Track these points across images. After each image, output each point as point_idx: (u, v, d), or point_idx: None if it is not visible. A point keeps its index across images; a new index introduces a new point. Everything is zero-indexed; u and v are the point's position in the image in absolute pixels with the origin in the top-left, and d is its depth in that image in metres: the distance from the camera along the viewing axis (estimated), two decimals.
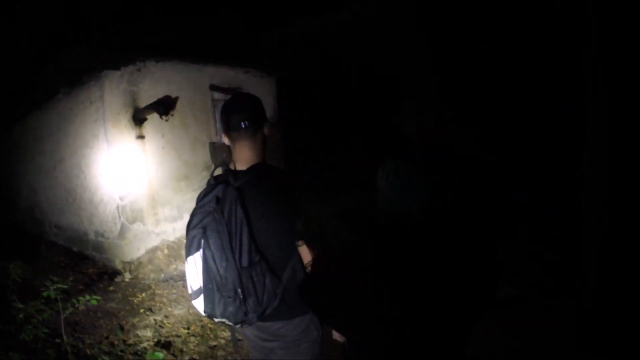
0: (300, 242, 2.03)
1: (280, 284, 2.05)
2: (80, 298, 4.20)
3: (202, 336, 4.58)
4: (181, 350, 4.30)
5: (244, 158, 2.13)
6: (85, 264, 5.94)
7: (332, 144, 9.44)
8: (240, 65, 8.15)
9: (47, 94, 5.97)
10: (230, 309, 1.97)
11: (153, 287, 5.69)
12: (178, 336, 4.61)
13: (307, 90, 9.52)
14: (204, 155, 7.55)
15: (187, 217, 6.16)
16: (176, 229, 6.83)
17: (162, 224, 6.56)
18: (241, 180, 2.03)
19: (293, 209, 2.02)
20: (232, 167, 2.16)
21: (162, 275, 6.02)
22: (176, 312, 5.14)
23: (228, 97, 7.83)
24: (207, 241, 1.95)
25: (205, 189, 2.11)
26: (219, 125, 7.89)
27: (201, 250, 1.97)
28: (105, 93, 5.74)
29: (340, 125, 9.57)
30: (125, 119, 6.00)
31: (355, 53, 8.46)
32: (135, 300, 5.31)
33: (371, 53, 8.19)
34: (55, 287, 3.99)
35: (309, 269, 1.97)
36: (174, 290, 5.66)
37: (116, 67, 5.83)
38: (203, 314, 2.05)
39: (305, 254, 2.02)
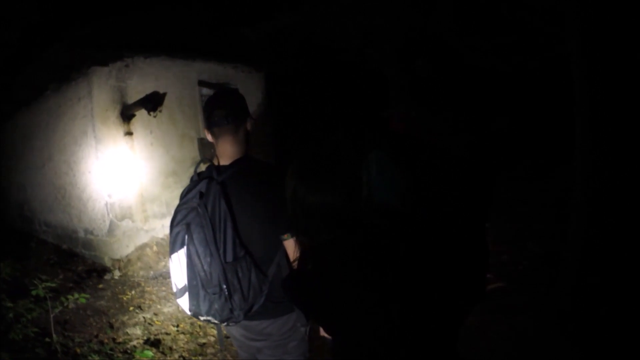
0: (285, 236, 2.01)
1: (266, 280, 2.05)
2: (70, 296, 4.20)
3: (191, 334, 4.60)
4: (170, 348, 4.31)
5: (227, 153, 2.13)
6: (75, 261, 5.93)
7: (320, 137, 9.42)
8: (228, 61, 8.13)
9: (35, 91, 5.92)
10: (216, 306, 1.96)
11: (142, 284, 5.69)
12: (167, 334, 4.62)
13: (296, 85, 9.50)
14: (193, 151, 7.53)
15: None
16: (165, 225, 6.81)
17: (150, 221, 6.55)
18: (224, 175, 2.04)
19: (278, 202, 1.88)
20: (215, 162, 2.16)
21: (152, 272, 6.02)
22: (165, 309, 5.15)
23: None
24: (190, 236, 1.94)
25: (188, 185, 2.11)
26: None
27: (185, 246, 1.95)
28: (93, 89, 5.71)
29: (329, 119, 9.56)
30: (113, 116, 5.98)
31: (342, 44, 8.46)
32: (124, 298, 5.31)
33: (358, 44, 8.18)
34: (44, 286, 3.98)
35: (295, 264, 1.95)
36: (163, 288, 5.66)
37: (104, 63, 5.81)
38: (188, 312, 2.04)
39: (292, 248, 1.99)
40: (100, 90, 5.78)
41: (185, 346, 4.40)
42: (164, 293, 5.54)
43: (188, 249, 1.94)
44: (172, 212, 5.93)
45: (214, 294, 1.94)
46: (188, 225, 1.95)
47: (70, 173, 5.99)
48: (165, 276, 5.98)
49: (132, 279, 5.78)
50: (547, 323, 3.65)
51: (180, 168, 7.16)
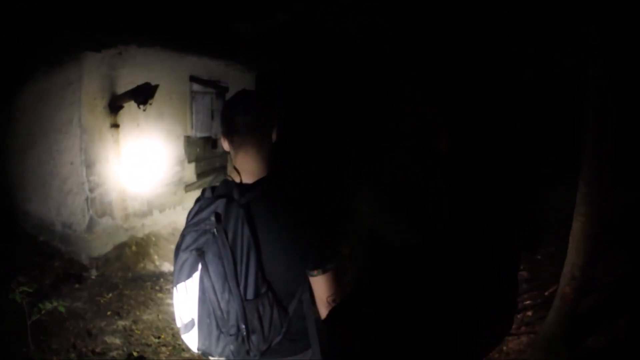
0: (315, 272, 1.75)
1: (287, 317, 1.78)
2: (48, 304, 3.88)
3: (174, 347, 4.35)
4: None
5: (249, 169, 1.80)
6: (51, 256, 5.56)
7: (316, 142, 9.27)
8: (221, 57, 7.88)
9: (25, 72, 5.55)
10: (231, 347, 1.71)
11: (121, 286, 5.38)
12: (148, 345, 4.37)
13: (290, 86, 9.32)
14: (178, 149, 7.27)
15: (157, 214, 5.92)
16: (145, 225, 6.53)
17: (131, 219, 6.24)
18: (248, 197, 1.72)
19: (309, 235, 1.73)
20: (234, 178, 1.82)
21: (130, 274, 5.72)
22: (145, 316, 4.88)
23: (207, 89, 7.70)
24: (205, 268, 1.66)
25: (199, 202, 1.79)
26: (195, 118, 7.64)
27: (195, 277, 1.68)
28: (83, 75, 5.38)
29: (325, 121, 9.42)
30: (101, 105, 5.66)
31: (340, 44, 8.32)
32: (102, 301, 5.01)
33: (360, 40, 8.04)
34: (21, 290, 3.66)
35: (331, 302, 1.76)
36: (142, 292, 5.38)
37: (97, 49, 5.48)
38: (195, 350, 1.79)
39: (322, 284, 1.76)
40: (90, 77, 5.45)
41: None
42: (142, 298, 5.26)
43: (202, 283, 1.67)
44: (153, 211, 5.77)
45: (231, 334, 1.68)
46: (201, 253, 1.67)
47: (52, 162, 5.63)
48: (145, 279, 5.71)
49: (110, 280, 5.46)
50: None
51: (164, 166, 6.90)
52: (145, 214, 6.55)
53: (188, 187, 7.54)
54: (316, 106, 9.39)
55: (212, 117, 8.18)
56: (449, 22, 5.80)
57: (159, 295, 5.37)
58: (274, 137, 1.83)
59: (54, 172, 5.63)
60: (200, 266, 1.66)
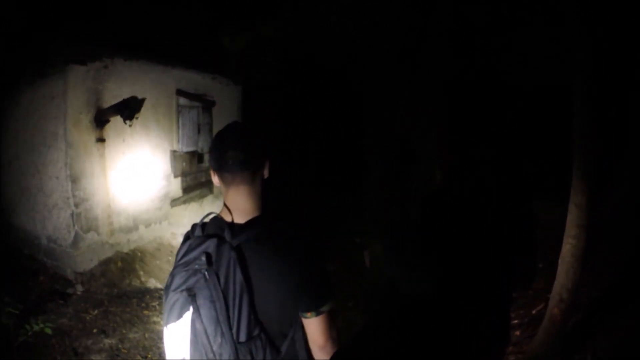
0: (309, 314, 1.72)
1: (279, 356, 1.76)
2: (34, 325, 3.79)
3: None
4: None
5: (240, 207, 1.76)
6: (36, 270, 5.43)
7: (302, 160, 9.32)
8: (207, 71, 7.87)
9: (10, 85, 5.46)
10: None
11: (106, 303, 5.27)
12: None
13: (275, 100, 9.34)
14: (164, 164, 7.19)
15: (142, 229, 5.86)
16: (130, 240, 6.43)
17: (116, 235, 6.14)
18: (240, 238, 1.69)
19: (303, 277, 1.71)
20: (225, 217, 1.78)
21: (116, 290, 5.61)
22: (131, 335, 4.78)
23: (194, 103, 7.65)
24: (197, 311, 1.63)
25: (189, 242, 1.73)
26: (181, 132, 7.59)
27: (186, 317, 1.65)
28: (68, 89, 5.30)
29: (308, 137, 9.46)
30: (86, 119, 5.58)
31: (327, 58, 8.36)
32: (87, 318, 4.90)
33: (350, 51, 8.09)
34: (7, 311, 3.57)
35: (325, 345, 1.75)
36: (128, 309, 5.27)
37: (82, 62, 5.42)
38: None
39: (316, 326, 1.74)
40: (75, 91, 5.37)
41: None
42: (128, 315, 5.15)
43: (194, 326, 1.64)
44: (139, 227, 5.69)
45: None
46: (192, 293, 1.64)
47: (37, 176, 5.52)
48: (130, 295, 5.59)
49: (95, 296, 5.35)
50: None
51: (150, 181, 6.82)
52: (131, 229, 6.45)
53: (174, 202, 7.46)
54: (295, 124, 9.43)
55: (199, 132, 8.14)
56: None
57: (145, 312, 5.27)
58: (265, 173, 1.81)
59: (39, 185, 5.53)
60: (191, 308, 1.63)
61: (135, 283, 5.98)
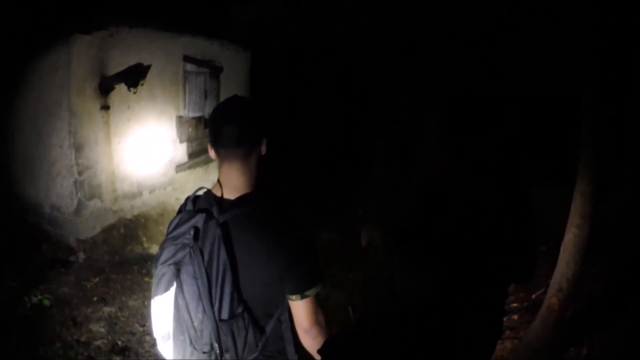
0: (294, 297, 1.71)
1: (263, 337, 1.76)
2: (33, 297, 3.92)
3: None
4: (137, 354, 4.10)
5: (232, 184, 1.73)
6: (39, 239, 5.56)
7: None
8: (215, 37, 7.80)
9: (13, 56, 5.46)
10: None
11: (107, 270, 5.41)
12: (133, 334, 4.42)
13: (284, 72, 9.29)
14: (170, 130, 7.24)
15: (146, 195, 5.96)
16: (134, 206, 6.54)
17: (120, 201, 6.25)
18: (228, 215, 1.67)
19: (289, 259, 1.68)
20: (216, 192, 1.76)
21: (117, 257, 5.75)
22: (131, 302, 4.92)
23: (201, 69, 7.63)
24: (180, 287, 1.63)
25: (180, 215, 1.73)
26: (188, 98, 7.59)
27: (172, 291, 1.65)
28: (72, 59, 5.29)
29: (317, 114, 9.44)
30: (90, 88, 5.60)
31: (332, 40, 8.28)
32: (88, 285, 5.04)
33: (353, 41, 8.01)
34: (7, 285, 3.70)
35: (311, 329, 1.73)
36: (129, 276, 5.41)
37: (87, 31, 5.40)
38: None
39: (301, 309, 1.71)
40: (79, 60, 5.37)
41: (152, 350, 4.20)
42: (129, 282, 5.29)
43: (176, 301, 1.65)
44: (143, 192, 5.77)
45: (204, 352, 1.67)
46: (177, 269, 1.64)
47: (41, 145, 5.58)
48: (131, 262, 5.74)
49: (97, 264, 5.49)
50: None
51: (155, 147, 6.87)
52: (135, 195, 6.56)
53: (179, 168, 7.54)
54: (304, 99, 9.39)
55: (206, 97, 8.13)
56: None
57: (146, 279, 5.40)
58: (262, 149, 1.78)
59: (43, 155, 5.60)
60: (176, 285, 1.64)
61: (137, 249, 6.11)
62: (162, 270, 1.66)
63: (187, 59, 7.37)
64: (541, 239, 5.17)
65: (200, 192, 1.80)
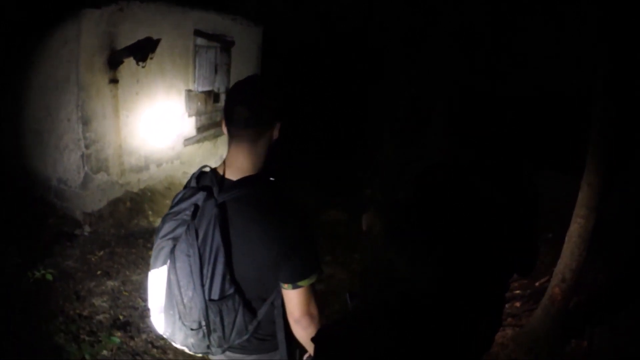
0: (286, 286, 1.70)
1: (254, 320, 1.77)
2: (36, 272, 4.00)
3: None
4: (138, 329, 4.19)
5: (237, 164, 1.74)
6: (46, 212, 5.64)
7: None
8: (227, 12, 7.74)
9: (23, 31, 5.46)
10: (192, 340, 1.73)
11: (112, 244, 5.50)
12: (135, 308, 4.49)
13: (296, 51, 9.23)
14: (179, 104, 7.25)
15: (153, 168, 6.01)
16: (141, 180, 6.61)
17: (127, 174, 6.31)
18: (227, 195, 1.67)
19: (284, 247, 1.67)
20: (220, 171, 1.77)
21: (123, 230, 5.83)
22: (134, 277, 5.00)
23: (212, 43, 7.60)
24: (173, 263, 1.66)
25: (184, 191, 1.75)
26: (198, 72, 7.59)
27: (166, 267, 1.68)
28: (82, 33, 5.29)
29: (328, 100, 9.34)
30: (99, 62, 5.61)
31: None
32: (93, 259, 5.12)
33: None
34: (11, 260, 3.77)
35: (302, 318, 1.72)
36: (134, 250, 5.49)
37: (97, 5, 5.38)
38: (163, 335, 1.81)
39: (294, 298, 1.70)
40: (89, 35, 5.37)
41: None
42: (133, 256, 5.37)
43: (168, 276, 1.68)
44: (150, 166, 5.83)
45: (192, 329, 1.70)
46: (174, 244, 1.67)
47: (49, 119, 5.62)
48: (137, 236, 5.82)
49: (102, 237, 5.57)
50: None
51: (163, 120, 6.90)
52: (142, 168, 6.61)
53: (187, 141, 7.58)
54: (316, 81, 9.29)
55: (216, 72, 8.12)
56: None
57: (150, 253, 5.46)
58: (275, 133, 1.78)
59: (51, 128, 5.64)
60: (169, 261, 1.68)
61: (143, 223, 6.19)
62: (161, 244, 1.70)
63: (198, 33, 7.34)
64: (547, 226, 5.16)
65: (206, 169, 1.81)
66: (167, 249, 1.68)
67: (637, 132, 4.58)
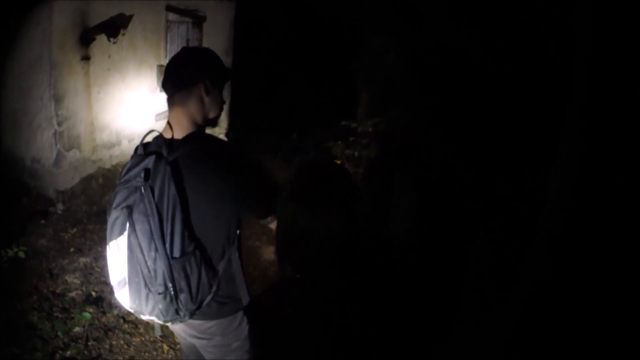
0: (269, 219, 1.94)
1: (216, 276, 1.87)
2: (9, 250, 4.13)
3: None
4: (110, 304, 4.35)
5: (177, 125, 1.86)
6: (20, 192, 5.72)
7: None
8: None
9: None
10: (160, 306, 1.75)
11: (85, 220, 5.62)
12: (107, 284, 4.59)
13: (272, 27, 9.21)
14: (150, 79, 7.30)
15: (125, 144, 6.13)
16: (113, 155, 6.70)
17: (99, 151, 6.41)
18: (177, 153, 1.76)
19: (237, 191, 1.84)
20: (166, 134, 1.87)
21: (95, 207, 5.94)
22: (106, 252, 5.14)
23: (184, 18, 7.61)
24: (132, 226, 1.68)
25: (131, 160, 1.80)
26: (169, 47, 7.62)
27: (125, 235, 1.71)
28: (54, 12, 5.30)
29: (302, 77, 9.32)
30: (72, 40, 5.64)
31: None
32: (65, 237, 5.25)
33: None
34: None
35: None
36: (105, 226, 5.60)
37: None
38: (129, 309, 1.84)
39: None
40: (61, 14, 5.38)
41: None
42: (105, 232, 5.46)
43: (129, 240, 1.70)
44: (122, 141, 5.94)
45: (159, 293, 1.72)
46: (130, 210, 1.69)
47: (22, 100, 5.66)
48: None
49: (75, 215, 5.69)
50: None
51: (135, 96, 6.96)
52: (114, 144, 6.71)
53: (158, 116, 7.63)
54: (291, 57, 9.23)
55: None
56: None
57: None
58: (202, 92, 1.88)
59: (24, 109, 5.68)
60: (128, 225, 1.70)
61: None
62: (115, 214, 1.74)
63: (169, 8, 7.35)
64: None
65: (150, 137, 1.91)
66: (122, 217, 1.71)
67: None
